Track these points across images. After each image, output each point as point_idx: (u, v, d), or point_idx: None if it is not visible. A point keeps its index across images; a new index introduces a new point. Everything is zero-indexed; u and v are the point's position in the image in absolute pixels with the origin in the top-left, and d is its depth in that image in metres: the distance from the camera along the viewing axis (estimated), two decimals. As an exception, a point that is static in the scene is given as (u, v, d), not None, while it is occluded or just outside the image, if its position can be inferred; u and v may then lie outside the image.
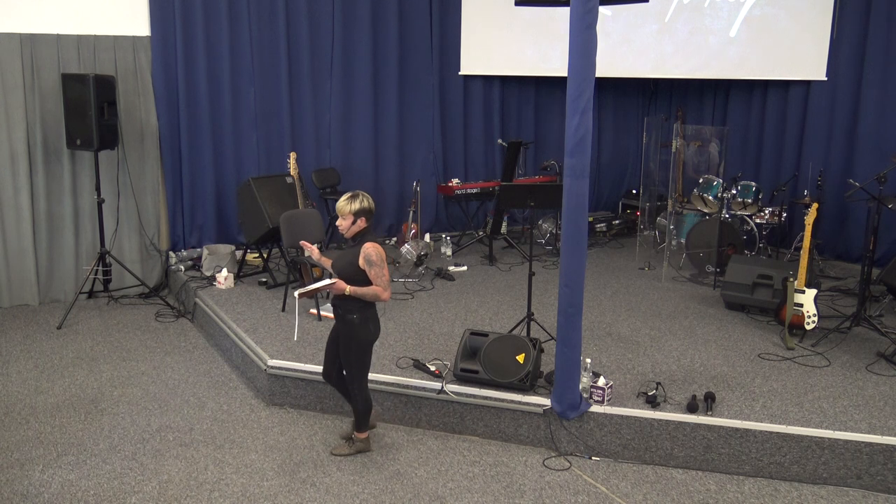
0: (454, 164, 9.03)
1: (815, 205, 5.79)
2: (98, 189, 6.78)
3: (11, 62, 6.61)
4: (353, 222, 4.10)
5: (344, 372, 4.37)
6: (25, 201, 6.78)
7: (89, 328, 6.45)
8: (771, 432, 4.25)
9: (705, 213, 7.63)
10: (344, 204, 4.09)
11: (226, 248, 7.28)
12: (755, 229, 7.33)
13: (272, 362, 5.09)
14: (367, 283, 4.10)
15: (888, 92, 7.49)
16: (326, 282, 4.10)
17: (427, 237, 8.32)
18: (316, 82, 8.08)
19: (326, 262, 4.37)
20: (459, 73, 8.87)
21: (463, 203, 8.55)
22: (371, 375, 4.87)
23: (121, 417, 4.86)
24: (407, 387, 4.79)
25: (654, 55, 8.62)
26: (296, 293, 4.18)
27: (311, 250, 4.32)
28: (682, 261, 7.68)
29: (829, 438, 4.18)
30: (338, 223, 4.14)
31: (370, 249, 4.09)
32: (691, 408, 4.40)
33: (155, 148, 7.32)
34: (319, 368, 4.95)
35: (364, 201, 4.11)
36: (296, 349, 5.30)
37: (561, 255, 4.34)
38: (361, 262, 4.09)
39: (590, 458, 4.46)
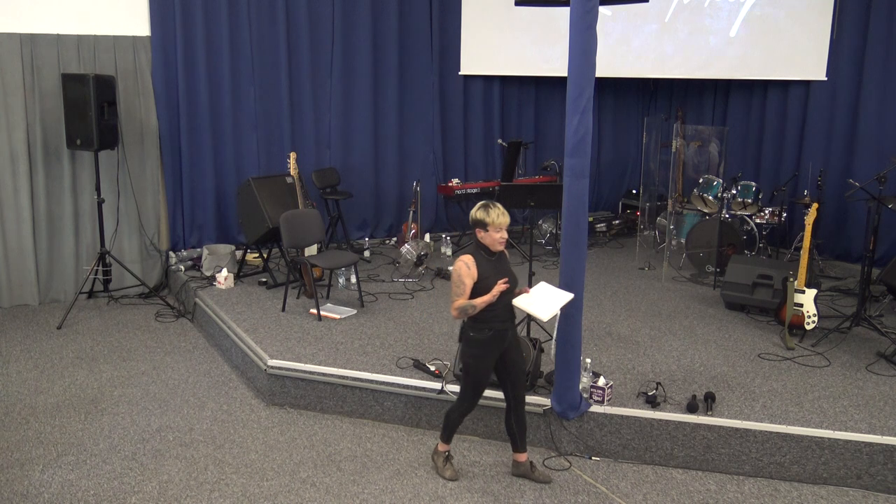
0: (454, 164, 9.03)
1: (815, 205, 5.79)
2: (98, 189, 6.78)
3: (11, 62, 6.61)
4: None
5: (516, 386, 4.10)
6: (25, 201, 6.78)
7: (89, 328, 6.44)
8: (771, 432, 4.25)
9: (705, 213, 7.63)
10: (507, 219, 3.90)
11: (226, 248, 7.28)
12: (755, 229, 7.33)
13: (272, 362, 5.09)
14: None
15: (888, 92, 7.49)
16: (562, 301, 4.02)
17: (427, 237, 8.32)
18: (316, 82, 8.08)
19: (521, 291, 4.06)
20: (459, 73, 8.86)
21: (463, 203, 8.55)
22: (371, 375, 4.90)
23: (121, 417, 4.86)
24: (407, 387, 4.79)
25: (654, 55, 8.62)
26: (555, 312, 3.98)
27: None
28: (682, 261, 7.67)
29: (829, 438, 4.18)
30: (502, 238, 3.90)
31: None
32: (691, 408, 4.40)
33: (155, 148, 7.32)
34: (319, 368, 4.98)
35: None
36: (296, 349, 5.30)
37: (561, 255, 4.33)
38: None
39: (590, 458, 4.45)
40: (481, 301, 3.84)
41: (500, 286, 3.84)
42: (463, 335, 4.06)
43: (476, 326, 3.94)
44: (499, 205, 3.91)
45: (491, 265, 3.94)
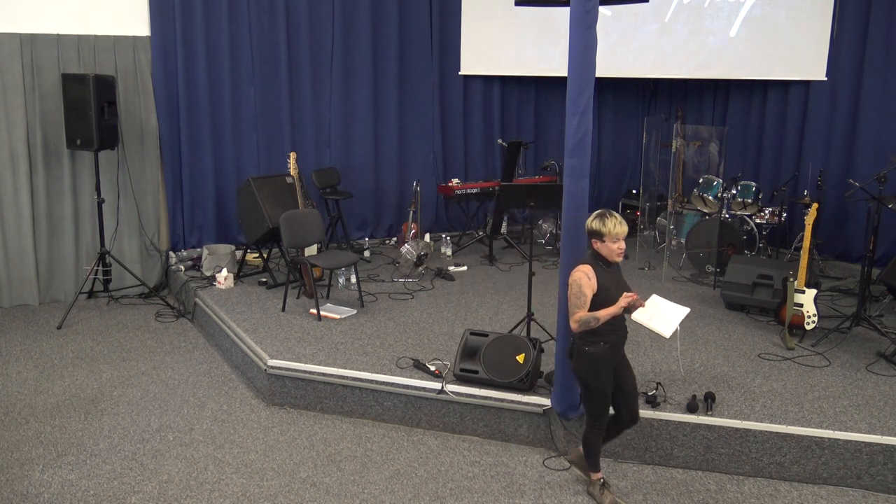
0: (454, 164, 9.03)
1: (815, 205, 5.79)
2: (98, 189, 6.78)
3: (11, 62, 6.61)
4: None
5: (630, 404, 3.98)
6: (25, 201, 6.78)
7: (89, 328, 6.44)
8: (771, 432, 4.25)
9: (705, 213, 7.62)
10: (625, 228, 3.72)
11: (226, 248, 7.28)
12: (755, 229, 7.32)
13: (272, 362, 5.09)
14: None
15: (888, 92, 7.49)
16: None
17: (427, 237, 8.32)
18: (316, 82, 8.08)
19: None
20: (459, 73, 8.86)
21: (463, 203, 8.54)
22: (371, 375, 4.90)
23: (121, 417, 4.86)
24: (407, 387, 4.79)
25: (654, 55, 8.62)
26: (677, 330, 3.81)
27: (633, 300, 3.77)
28: (682, 261, 7.67)
29: (829, 438, 4.18)
30: (620, 248, 3.74)
31: None
32: (691, 408, 4.40)
33: (155, 148, 7.32)
34: (319, 368, 4.98)
35: None
36: (296, 349, 5.30)
37: (561, 255, 4.33)
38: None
39: (590, 458, 4.45)
40: (606, 313, 3.66)
41: (628, 298, 3.69)
42: (574, 351, 3.87)
43: (591, 340, 3.77)
44: (616, 213, 3.75)
45: (609, 276, 3.78)
